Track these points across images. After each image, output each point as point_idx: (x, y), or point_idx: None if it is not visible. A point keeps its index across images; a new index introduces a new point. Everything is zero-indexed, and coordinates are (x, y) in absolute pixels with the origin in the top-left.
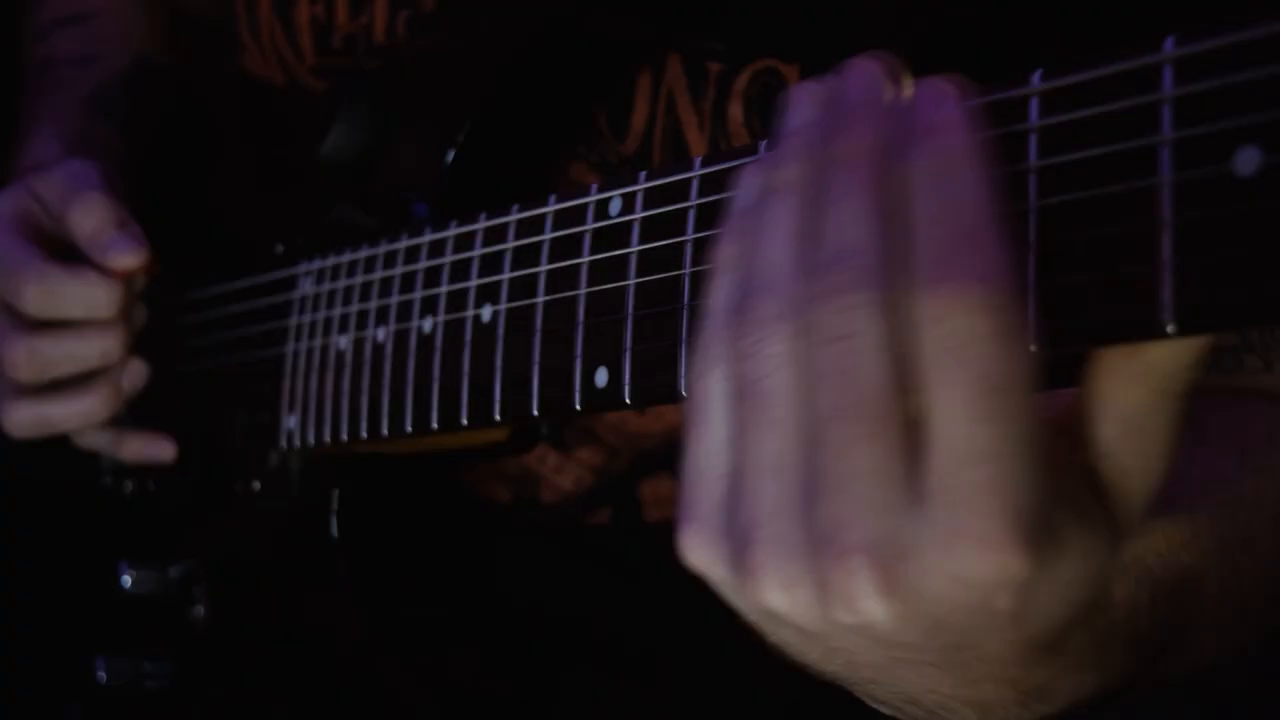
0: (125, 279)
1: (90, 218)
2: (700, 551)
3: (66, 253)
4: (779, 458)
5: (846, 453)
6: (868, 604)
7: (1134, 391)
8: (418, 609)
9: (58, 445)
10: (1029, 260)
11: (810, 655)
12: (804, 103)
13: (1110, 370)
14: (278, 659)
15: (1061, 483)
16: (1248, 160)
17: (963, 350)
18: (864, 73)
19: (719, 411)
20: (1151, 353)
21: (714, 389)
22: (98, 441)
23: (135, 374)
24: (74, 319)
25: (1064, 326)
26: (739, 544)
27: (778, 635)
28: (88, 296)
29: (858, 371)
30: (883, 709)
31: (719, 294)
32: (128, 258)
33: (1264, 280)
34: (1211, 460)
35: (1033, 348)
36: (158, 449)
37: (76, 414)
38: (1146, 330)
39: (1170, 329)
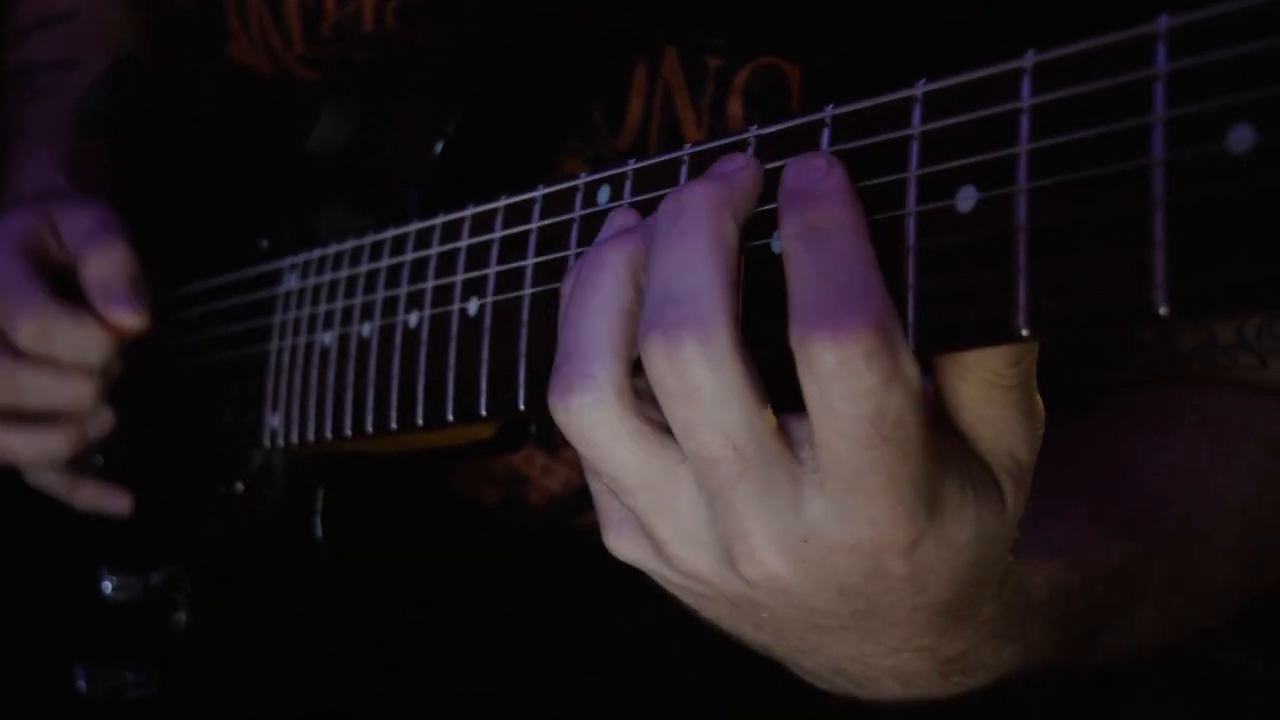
0: (119, 335)
1: (106, 264)
2: (624, 550)
3: (66, 288)
4: (675, 497)
5: (730, 487)
6: (773, 569)
7: (966, 387)
8: (404, 611)
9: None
10: (1019, 244)
11: (743, 627)
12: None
13: (941, 369)
14: (262, 665)
15: (944, 458)
16: (1241, 138)
17: (849, 395)
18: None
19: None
20: (968, 354)
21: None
22: (51, 483)
23: (101, 422)
24: (60, 359)
25: (1054, 311)
26: (656, 545)
27: (711, 611)
28: (80, 342)
29: (713, 423)
30: (816, 682)
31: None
32: (130, 316)
33: (1258, 263)
34: (1182, 448)
35: (1024, 332)
36: (112, 502)
37: (34, 449)
38: (1140, 314)
39: (1163, 311)
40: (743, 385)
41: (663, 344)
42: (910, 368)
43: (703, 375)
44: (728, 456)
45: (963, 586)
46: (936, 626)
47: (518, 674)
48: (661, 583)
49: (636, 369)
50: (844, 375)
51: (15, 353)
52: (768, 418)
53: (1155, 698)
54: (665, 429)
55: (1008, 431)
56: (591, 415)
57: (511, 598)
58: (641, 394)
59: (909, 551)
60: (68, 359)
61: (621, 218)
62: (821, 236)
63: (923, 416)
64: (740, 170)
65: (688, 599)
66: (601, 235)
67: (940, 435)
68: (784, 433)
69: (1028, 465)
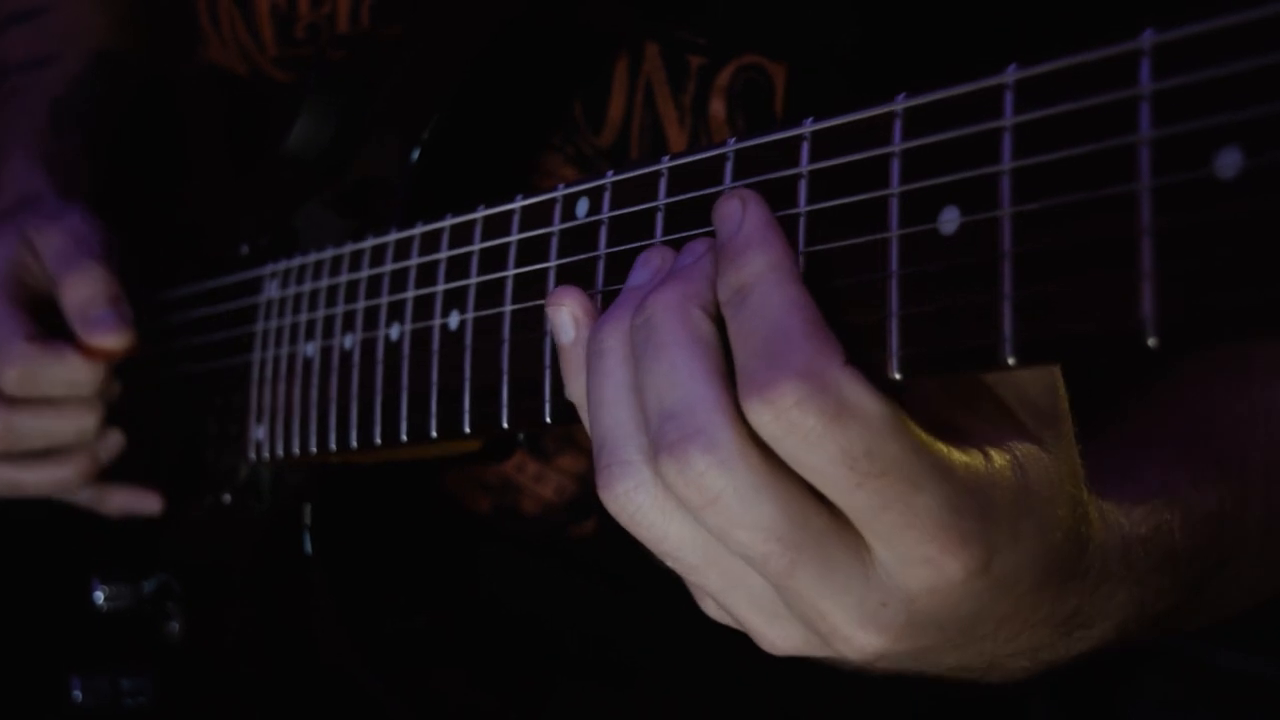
0: (106, 358)
1: (83, 288)
2: (721, 618)
3: (50, 309)
4: (744, 575)
5: (789, 578)
6: (866, 643)
7: None
8: (400, 622)
9: None
10: (1004, 268)
11: (880, 668)
12: (642, 263)
13: None
14: (257, 674)
15: (965, 462)
16: (1229, 162)
17: (805, 445)
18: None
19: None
20: None
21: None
22: (79, 499)
23: (111, 445)
24: (52, 398)
25: (1040, 338)
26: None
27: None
28: (69, 378)
29: (746, 522)
30: (935, 678)
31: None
32: (112, 337)
33: (1249, 293)
34: (1259, 394)
35: (1011, 360)
36: (143, 502)
37: (49, 483)
38: (1129, 345)
39: (1152, 343)
40: (764, 477)
41: (673, 464)
42: (860, 398)
43: (719, 482)
44: (774, 551)
45: (1050, 556)
46: (1044, 600)
47: (517, 682)
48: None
49: None
50: (788, 430)
51: (7, 398)
52: (802, 497)
53: (1160, 700)
54: None
55: (1013, 385)
56: (638, 499)
57: (509, 605)
58: None
59: (985, 570)
60: (60, 395)
61: (646, 269)
62: (742, 298)
63: (906, 440)
64: (697, 263)
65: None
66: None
67: (950, 440)
68: (827, 505)
69: (1051, 405)
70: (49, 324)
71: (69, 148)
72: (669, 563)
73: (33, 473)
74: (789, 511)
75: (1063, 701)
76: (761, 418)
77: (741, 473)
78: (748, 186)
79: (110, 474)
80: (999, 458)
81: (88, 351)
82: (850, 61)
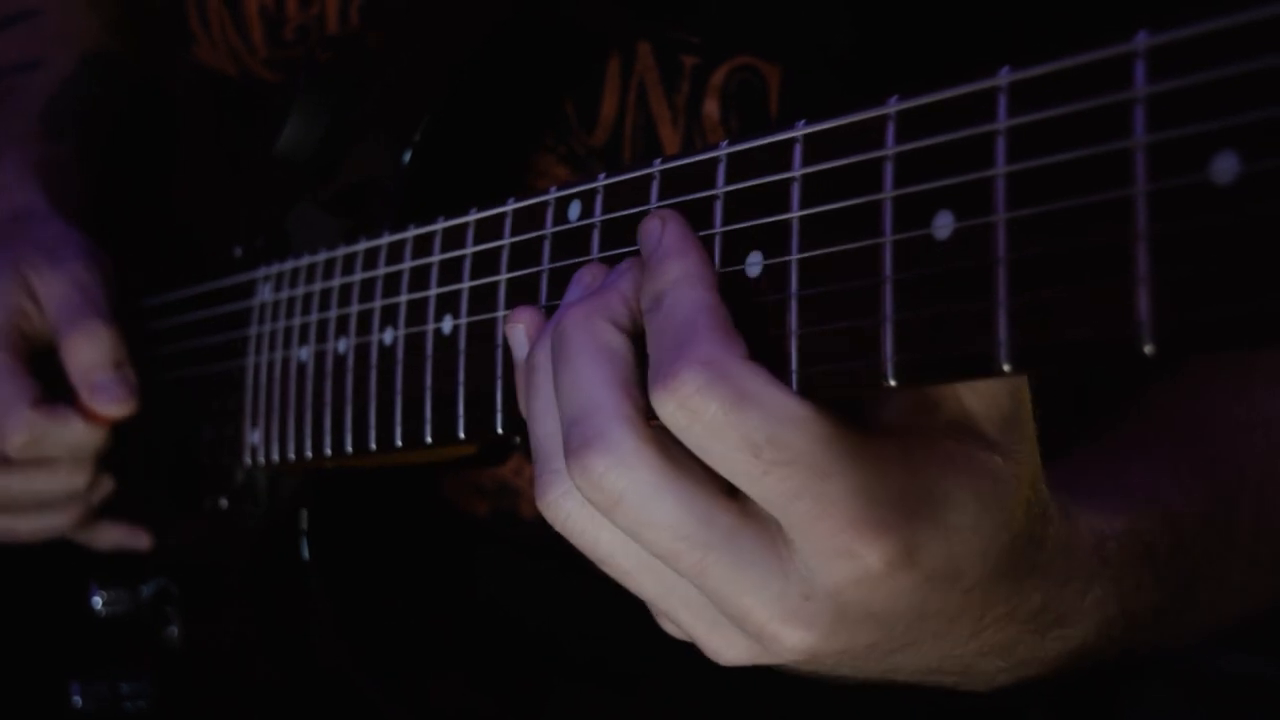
0: (109, 424)
1: (88, 351)
2: (678, 634)
3: (50, 358)
4: (683, 597)
5: (702, 577)
6: (795, 639)
7: None
8: (397, 627)
9: None
10: (998, 274)
11: (823, 673)
12: (575, 281)
13: None
14: (256, 678)
15: (893, 454)
16: (1225, 167)
17: (708, 433)
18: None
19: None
20: None
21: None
22: (70, 535)
23: (103, 492)
24: (52, 460)
25: (1036, 344)
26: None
27: (791, 668)
28: (70, 443)
29: (652, 521)
30: (924, 686)
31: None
32: (116, 406)
33: (1246, 301)
34: (1258, 399)
35: (1006, 367)
36: (133, 538)
37: (42, 531)
38: (1125, 352)
39: (1149, 350)
40: (664, 476)
41: (577, 468)
42: (759, 387)
43: (619, 482)
44: (683, 549)
45: (1001, 550)
46: (999, 595)
47: (515, 686)
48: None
49: None
50: (691, 418)
51: (4, 459)
52: (708, 494)
53: (1161, 702)
54: None
55: (979, 388)
56: (566, 506)
57: (507, 609)
58: None
59: (911, 561)
60: (60, 457)
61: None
62: (657, 303)
63: (813, 428)
64: (619, 279)
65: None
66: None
67: (882, 432)
68: (737, 501)
69: (1013, 409)
70: (48, 371)
71: (61, 151)
72: (608, 570)
73: (25, 522)
74: (693, 508)
75: (1061, 712)
76: (666, 407)
77: (641, 472)
78: (741, 190)
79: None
80: (927, 452)
81: (89, 415)
82: (845, 63)
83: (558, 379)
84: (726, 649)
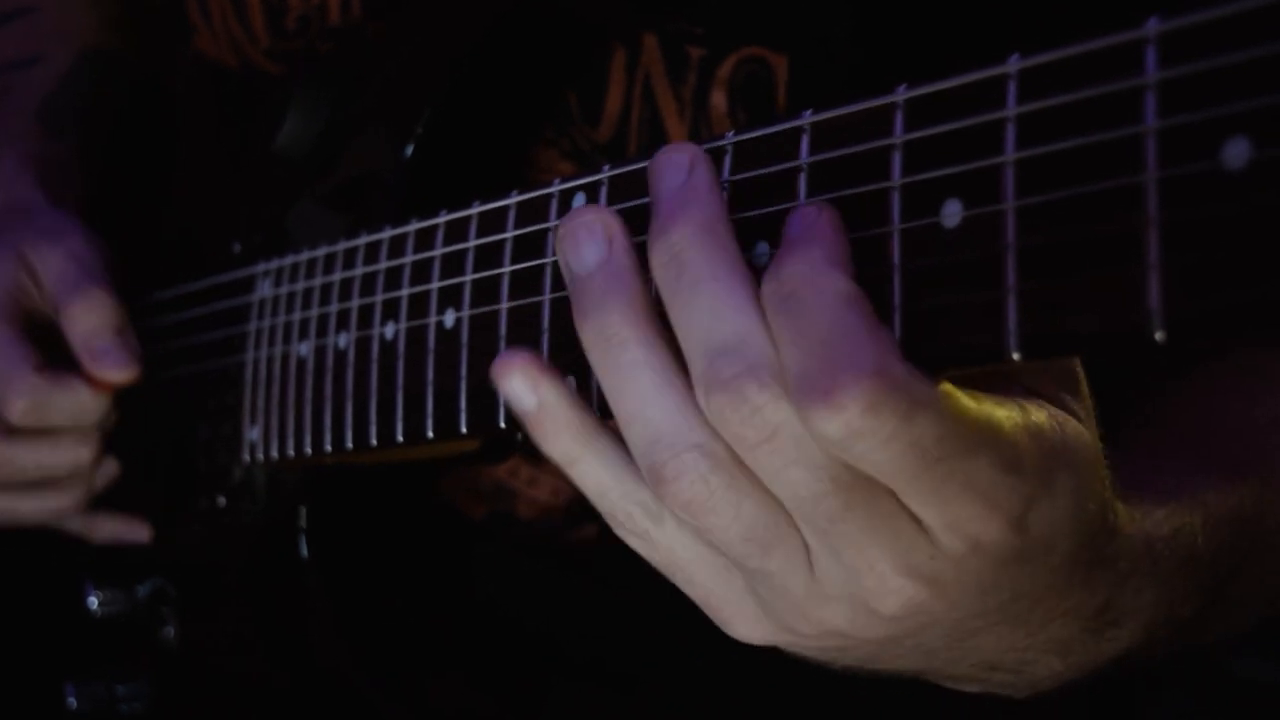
0: (112, 390)
1: (89, 318)
2: (751, 632)
3: (52, 333)
4: (796, 551)
5: (841, 521)
6: (909, 593)
7: None
8: (396, 626)
9: None
10: (1007, 262)
11: (883, 662)
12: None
13: None
14: (253, 678)
15: (1005, 420)
16: (1237, 153)
17: (874, 447)
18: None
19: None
20: None
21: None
22: (67, 527)
23: (106, 472)
24: (55, 429)
25: (1045, 333)
26: (786, 615)
27: (849, 659)
28: (74, 410)
29: (802, 459)
30: (965, 687)
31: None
32: (119, 372)
33: (1257, 287)
34: (1270, 405)
35: (1016, 356)
36: (131, 530)
37: (45, 511)
38: (1135, 340)
39: (1159, 337)
40: None
41: (729, 402)
42: (924, 391)
43: (777, 415)
44: (827, 489)
45: (1082, 526)
46: (1076, 580)
47: (514, 686)
48: (792, 649)
49: None
50: (858, 437)
51: (8, 428)
52: None
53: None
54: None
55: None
56: (713, 482)
57: (506, 610)
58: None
59: (1022, 525)
60: (63, 427)
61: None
62: (792, 291)
63: (964, 418)
64: (704, 185)
65: (824, 656)
66: (586, 293)
67: (987, 402)
68: None
69: (1074, 385)
70: (50, 348)
71: (60, 148)
72: (732, 548)
73: (28, 502)
74: (835, 460)
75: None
76: (827, 426)
77: (793, 417)
78: (747, 179)
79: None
80: (1036, 412)
81: (93, 382)
82: (853, 52)
83: (686, 303)
84: (828, 619)
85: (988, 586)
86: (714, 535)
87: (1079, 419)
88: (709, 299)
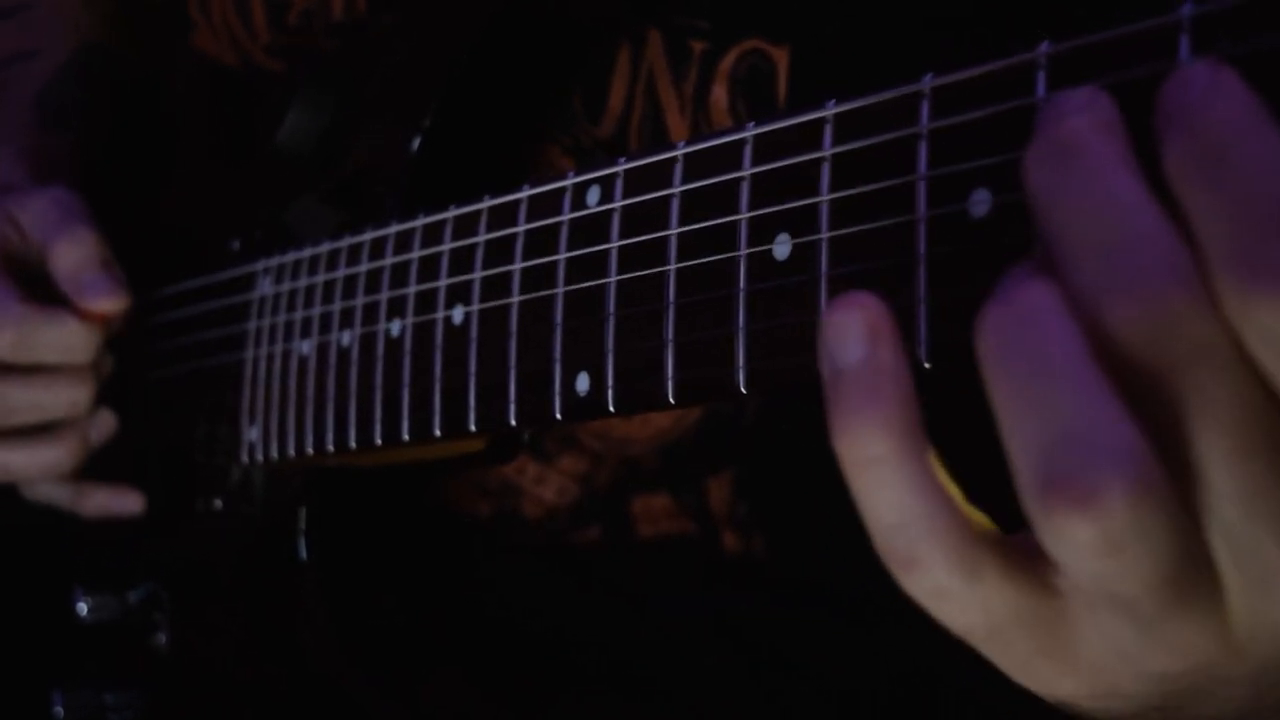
0: (102, 323)
1: (74, 252)
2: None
3: (39, 281)
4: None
5: (1266, 498)
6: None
7: None
8: (396, 630)
9: None
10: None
11: (1203, 708)
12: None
13: None
14: (248, 686)
15: None
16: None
17: None
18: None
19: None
20: None
21: None
22: (54, 495)
23: (103, 426)
24: (47, 364)
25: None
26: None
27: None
28: (65, 342)
29: (1233, 392)
30: None
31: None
32: (107, 301)
33: None
34: None
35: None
36: (122, 502)
37: (39, 464)
38: None
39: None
40: (1246, 341)
41: (1137, 307)
42: None
43: (1202, 328)
44: (1259, 445)
45: None
46: None
47: (517, 689)
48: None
49: None
50: None
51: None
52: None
53: None
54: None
55: None
56: (1141, 509)
57: (508, 612)
58: None
59: None
60: (54, 363)
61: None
62: (1218, 153)
63: None
64: (1103, 99)
65: (1136, 709)
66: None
67: None
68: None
69: None
70: (37, 293)
71: (54, 143)
72: (1140, 602)
73: (22, 453)
74: (1272, 407)
75: None
76: (1262, 313)
77: (1223, 329)
78: (767, 171)
79: (95, 475)
80: None
81: (83, 315)
82: (855, 44)
83: (1072, 204)
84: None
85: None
86: (1113, 583)
87: None
88: (1101, 194)
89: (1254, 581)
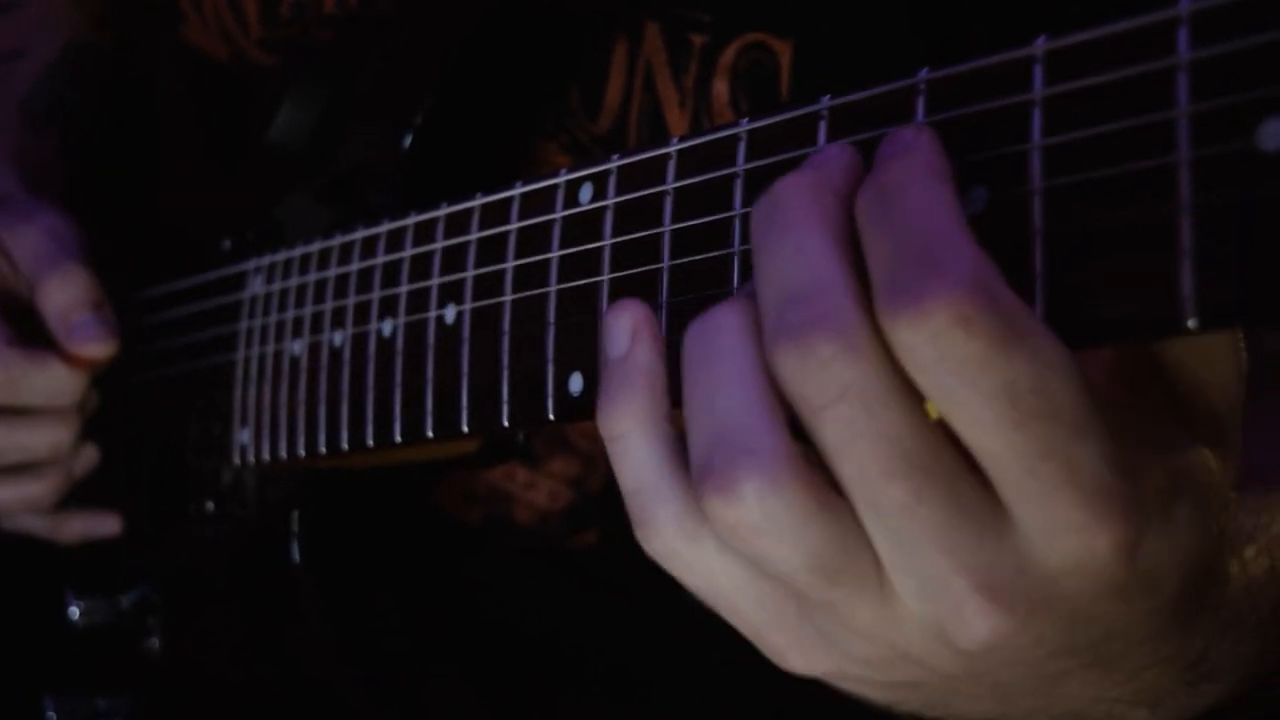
0: (88, 367)
1: (64, 292)
2: (813, 664)
3: (27, 315)
4: (868, 570)
5: (911, 515)
6: (990, 623)
7: None
8: (390, 633)
9: None
10: (1035, 249)
11: (957, 706)
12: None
13: None
14: (240, 692)
15: (1131, 428)
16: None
17: (962, 373)
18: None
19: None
20: None
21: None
22: (32, 525)
23: (86, 461)
24: (32, 406)
25: (1074, 321)
26: (850, 647)
27: (918, 699)
28: (50, 387)
29: (870, 430)
30: None
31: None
32: (95, 346)
33: None
34: None
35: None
36: (100, 525)
37: (19, 500)
38: (1165, 326)
39: (1191, 324)
40: (896, 382)
41: (795, 351)
42: (1037, 332)
43: (846, 373)
44: (899, 470)
45: (1192, 568)
46: (1175, 627)
47: (512, 695)
48: (856, 690)
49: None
50: (943, 354)
51: None
52: (929, 411)
53: None
54: (836, 490)
55: (1221, 358)
56: (770, 503)
57: (503, 616)
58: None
59: (1131, 555)
60: (39, 405)
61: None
62: (888, 197)
63: (1079, 380)
64: (836, 157)
65: (890, 696)
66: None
67: (1119, 404)
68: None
69: (1224, 423)
70: (26, 330)
71: (42, 144)
72: (795, 579)
73: (3, 490)
74: (918, 430)
75: None
76: (914, 336)
77: (870, 370)
78: (761, 167)
79: (84, 484)
80: (1162, 427)
81: (70, 359)
82: (859, 38)
83: (770, 248)
84: (885, 652)
85: (1080, 620)
86: (768, 565)
87: (1218, 442)
88: (793, 245)
89: (917, 586)
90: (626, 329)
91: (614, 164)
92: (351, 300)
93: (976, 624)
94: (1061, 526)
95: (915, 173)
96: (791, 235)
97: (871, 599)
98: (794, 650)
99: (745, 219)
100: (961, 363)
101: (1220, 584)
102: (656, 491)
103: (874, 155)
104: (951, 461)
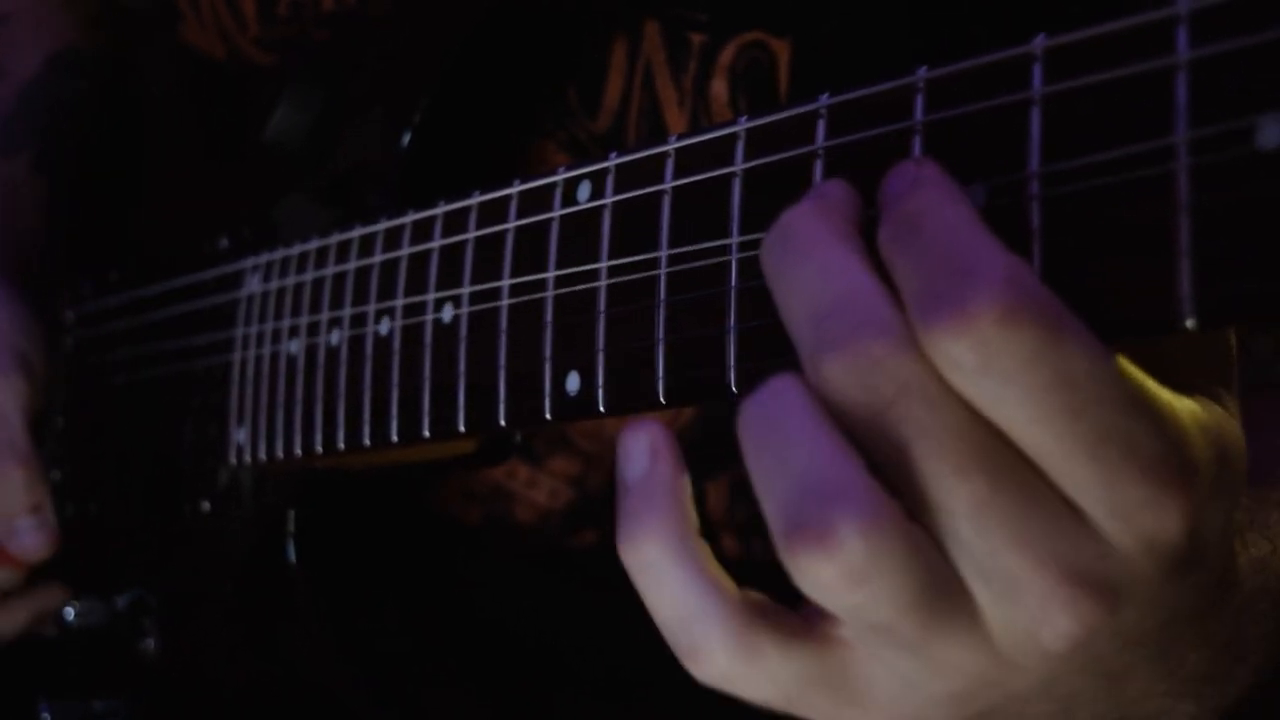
0: (28, 568)
1: (4, 498)
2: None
3: None
4: (957, 593)
5: (988, 512)
6: (1080, 613)
7: None
8: (389, 638)
9: None
10: (1033, 248)
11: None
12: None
13: None
14: (236, 693)
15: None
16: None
17: (1013, 372)
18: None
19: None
20: None
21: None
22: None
23: (49, 600)
24: None
25: None
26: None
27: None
28: None
29: (935, 426)
30: None
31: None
32: (34, 553)
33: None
34: None
35: None
36: (43, 604)
37: None
38: (1163, 326)
39: (1190, 324)
40: (945, 384)
41: (844, 359)
42: (1068, 316)
43: (902, 368)
44: (970, 464)
45: (1229, 540)
46: (1214, 604)
47: (511, 696)
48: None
49: None
50: (984, 357)
51: None
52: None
53: None
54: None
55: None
56: (873, 541)
57: (502, 616)
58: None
59: (1198, 524)
60: None
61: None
62: (913, 225)
63: (1116, 362)
64: (836, 186)
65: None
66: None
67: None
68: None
69: (1225, 402)
70: None
71: (14, 167)
72: (897, 626)
73: None
74: (979, 424)
75: None
76: (957, 344)
77: (923, 368)
78: (760, 166)
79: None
80: (1201, 404)
81: (5, 559)
82: (858, 37)
83: (792, 274)
84: (957, 649)
85: (1154, 604)
86: (868, 613)
87: (1236, 417)
88: (818, 264)
89: (1000, 592)
90: (644, 449)
91: (612, 162)
92: (348, 299)
93: (1063, 619)
94: (1133, 504)
95: (937, 199)
96: (813, 255)
97: (962, 626)
98: (874, 715)
99: (744, 218)
100: (1011, 362)
101: (1236, 556)
102: (702, 617)
103: (878, 191)
104: (1015, 456)
